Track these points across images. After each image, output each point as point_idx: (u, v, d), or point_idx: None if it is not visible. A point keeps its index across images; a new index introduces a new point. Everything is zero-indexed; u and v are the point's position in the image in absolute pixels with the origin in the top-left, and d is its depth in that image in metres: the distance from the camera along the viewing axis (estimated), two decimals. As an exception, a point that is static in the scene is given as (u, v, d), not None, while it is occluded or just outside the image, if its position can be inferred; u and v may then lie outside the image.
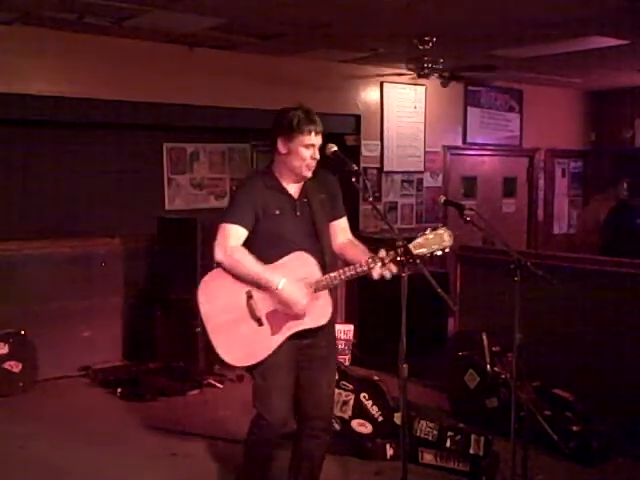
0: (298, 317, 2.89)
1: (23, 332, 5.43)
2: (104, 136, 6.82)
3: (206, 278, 2.98)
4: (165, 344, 6.01)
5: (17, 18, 5.25)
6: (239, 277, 2.90)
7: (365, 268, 2.84)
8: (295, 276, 2.88)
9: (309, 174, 3.01)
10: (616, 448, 4.13)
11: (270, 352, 2.90)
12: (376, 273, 2.83)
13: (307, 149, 2.96)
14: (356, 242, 3.17)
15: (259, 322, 2.89)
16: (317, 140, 2.98)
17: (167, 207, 7.36)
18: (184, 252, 5.78)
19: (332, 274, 2.90)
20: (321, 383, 3.11)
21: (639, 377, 4.29)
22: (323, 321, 2.95)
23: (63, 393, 5.45)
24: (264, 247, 2.93)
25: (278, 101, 3.07)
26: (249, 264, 2.88)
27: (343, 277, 2.89)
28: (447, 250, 2.82)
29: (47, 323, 5.67)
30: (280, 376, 2.98)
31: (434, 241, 2.79)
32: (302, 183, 3.06)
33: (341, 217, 3.19)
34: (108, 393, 5.41)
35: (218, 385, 5.53)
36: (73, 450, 4.30)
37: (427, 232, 2.81)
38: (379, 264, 2.81)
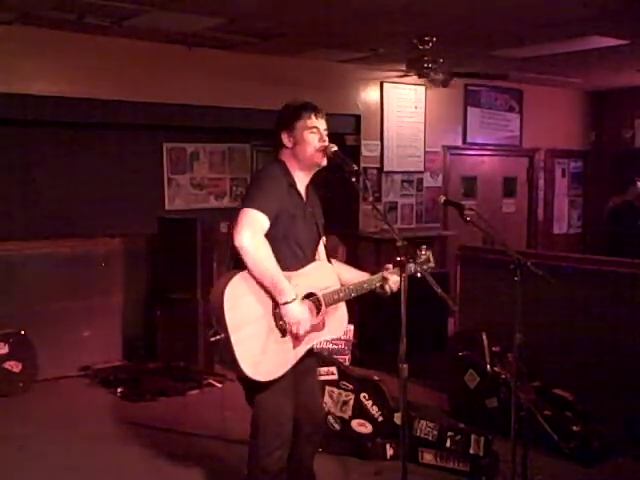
0: (318, 329, 2.84)
1: (23, 332, 5.44)
2: (104, 136, 6.82)
3: (234, 280, 2.64)
4: (165, 344, 6.02)
5: (17, 18, 5.25)
6: (252, 273, 2.64)
7: (379, 284, 2.90)
8: (317, 286, 2.83)
9: (324, 161, 2.88)
10: (616, 448, 4.13)
11: (290, 366, 2.76)
12: (389, 287, 2.90)
13: (312, 133, 2.85)
14: (336, 262, 3.10)
15: (283, 332, 2.72)
16: (320, 123, 2.87)
17: (167, 207, 7.37)
18: (184, 252, 5.79)
19: (349, 287, 2.88)
20: (310, 387, 3.06)
21: (639, 377, 4.29)
22: (340, 332, 2.96)
23: (63, 393, 5.45)
24: (276, 249, 2.76)
25: (278, 101, 3.05)
26: (272, 265, 2.66)
27: (359, 291, 2.90)
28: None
29: (47, 323, 5.67)
30: (288, 393, 2.87)
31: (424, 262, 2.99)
32: (306, 186, 2.96)
33: (323, 235, 3.09)
34: (108, 393, 5.41)
35: (218, 385, 5.52)
36: (73, 450, 4.30)
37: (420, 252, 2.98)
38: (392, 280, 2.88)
